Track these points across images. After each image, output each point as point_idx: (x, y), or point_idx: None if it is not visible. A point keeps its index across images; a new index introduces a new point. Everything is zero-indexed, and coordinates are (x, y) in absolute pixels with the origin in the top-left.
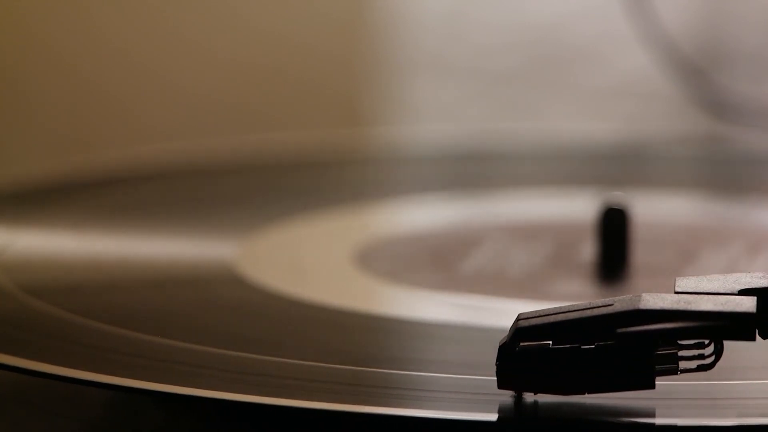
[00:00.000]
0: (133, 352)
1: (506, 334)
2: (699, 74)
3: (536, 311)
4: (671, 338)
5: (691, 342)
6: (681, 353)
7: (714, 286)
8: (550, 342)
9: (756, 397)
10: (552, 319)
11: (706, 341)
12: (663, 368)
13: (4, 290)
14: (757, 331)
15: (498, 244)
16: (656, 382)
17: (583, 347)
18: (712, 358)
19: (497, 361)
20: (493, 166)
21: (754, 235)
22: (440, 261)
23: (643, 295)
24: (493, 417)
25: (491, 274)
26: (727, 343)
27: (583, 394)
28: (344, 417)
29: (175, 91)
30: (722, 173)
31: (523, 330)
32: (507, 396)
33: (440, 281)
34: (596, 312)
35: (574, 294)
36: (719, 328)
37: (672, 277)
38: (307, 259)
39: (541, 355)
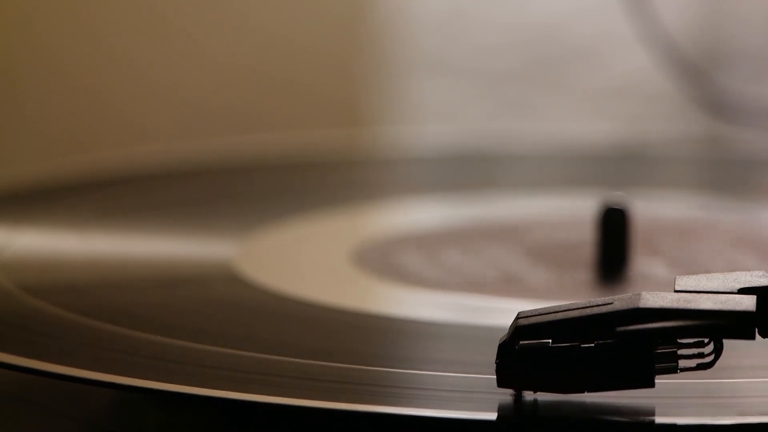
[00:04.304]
0: (134, 352)
1: (506, 332)
2: (699, 74)
3: (536, 310)
4: (671, 337)
5: (691, 341)
6: (680, 352)
7: (714, 285)
8: (550, 340)
9: (755, 396)
10: (552, 317)
11: (706, 340)
12: (662, 367)
13: (4, 290)
14: (756, 329)
15: (497, 244)
16: (656, 381)
17: (582, 346)
18: (712, 357)
19: (497, 359)
20: (493, 166)
21: (753, 235)
22: (439, 261)
23: (643, 293)
24: (492, 416)
25: (491, 273)
26: (726, 342)
27: (583, 392)
28: (343, 416)
29: (174, 91)
30: (722, 173)
31: (522, 328)
32: (507, 394)
33: (439, 281)
34: (596, 311)
35: (574, 293)
36: (719, 327)
37: (671, 276)
38: (307, 259)
39: (540, 353)
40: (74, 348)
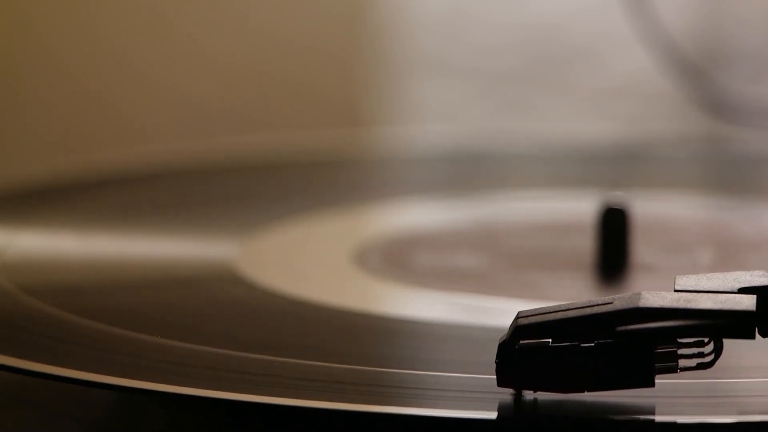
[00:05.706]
0: (134, 352)
1: (506, 332)
2: (699, 74)
3: (536, 309)
4: (671, 336)
5: (691, 340)
6: (680, 351)
7: (713, 285)
8: (550, 340)
9: (755, 395)
10: (552, 317)
11: (706, 339)
12: (662, 366)
13: (4, 290)
14: (756, 329)
15: (498, 244)
16: (656, 381)
17: (582, 345)
18: (712, 357)
19: (497, 359)
20: (493, 166)
21: (753, 235)
22: (440, 261)
23: (643, 293)
24: (492, 415)
25: (491, 273)
26: (726, 342)
27: (583, 392)
28: (344, 416)
29: (174, 91)
30: (722, 173)
31: (522, 328)
32: (506, 394)
33: (440, 281)
34: (596, 310)
35: (574, 293)
36: (719, 327)
37: (671, 275)
38: (307, 259)
39: (540, 353)
40: (74, 348)
